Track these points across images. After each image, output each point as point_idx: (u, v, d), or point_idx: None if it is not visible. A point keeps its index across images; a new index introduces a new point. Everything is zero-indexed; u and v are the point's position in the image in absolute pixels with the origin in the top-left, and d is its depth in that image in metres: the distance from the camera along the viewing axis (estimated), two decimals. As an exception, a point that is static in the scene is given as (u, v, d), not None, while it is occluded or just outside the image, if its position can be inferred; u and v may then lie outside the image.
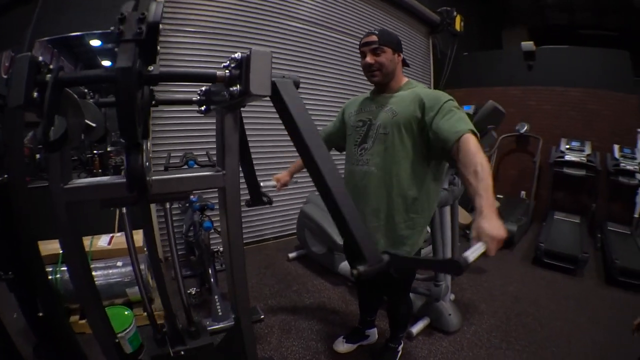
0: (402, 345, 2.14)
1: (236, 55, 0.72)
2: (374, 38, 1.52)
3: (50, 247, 2.10)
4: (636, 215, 4.64)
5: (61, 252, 2.14)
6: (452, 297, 2.64)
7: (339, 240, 2.77)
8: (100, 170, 3.52)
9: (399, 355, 2.11)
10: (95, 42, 2.84)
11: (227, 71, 0.72)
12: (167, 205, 1.27)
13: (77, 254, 0.84)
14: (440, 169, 1.60)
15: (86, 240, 2.31)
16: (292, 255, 3.58)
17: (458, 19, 5.20)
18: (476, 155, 1.22)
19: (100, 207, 0.84)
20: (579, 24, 7.08)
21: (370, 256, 0.79)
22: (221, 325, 2.27)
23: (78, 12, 2.76)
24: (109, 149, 3.50)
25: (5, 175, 1.43)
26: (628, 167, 4.42)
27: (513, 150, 5.70)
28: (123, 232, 2.48)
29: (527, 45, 5.07)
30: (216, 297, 2.39)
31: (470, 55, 6.08)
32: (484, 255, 0.99)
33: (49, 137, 0.64)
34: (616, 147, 4.68)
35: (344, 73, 4.52)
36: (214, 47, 3.41)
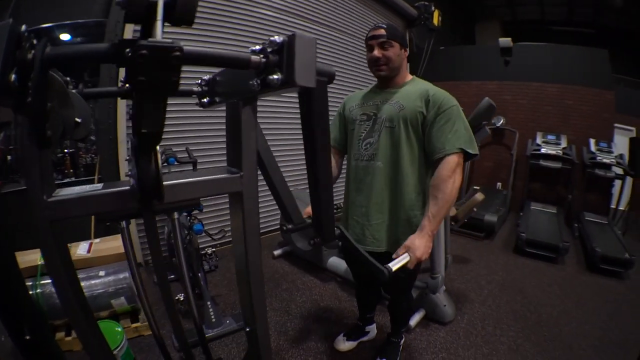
0: (403, 340, 2.13)
1: (276, 38, 0.62)
2: (382, 32, 1.47)
3: (27, 258, 1.93)
4: (612, 206, 4.88)
5: (40, 263, 1.98)
6: (443, 288, 2.66)
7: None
8: (72, 170, 3.30)
9: (401, 349, 2.10)
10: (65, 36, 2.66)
11: (261, 56, 0.62)
12: (176, 216, 1.09)
13: (66, 276, 0.68)
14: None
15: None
16: (277, 252, 3.50)
17: (436, 14, 5.26)
18: (445, 182, 1.37)
19: (96, 221, 0.72)
20: (551, 19, 7.33)
21: (328, 235, 0.97)
22: (216, 332, 2.14)
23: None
24: (78, 146, 3.28)
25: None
26: (605, 160, 4.63)
27: (489, 143, 5.85)
28: (102, 239, 2.35)
29: (505, 41, 5.20)
30: (208, 302, 2.27)
31: (446, 49, 6.19)
32: (404, 264, 1.27)
33: (45, 135, 0.50)
34: (592, 141, 4.90)
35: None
36: (182, 35, 3.17)
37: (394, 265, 1.22)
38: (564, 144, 5.02)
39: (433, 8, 5.23)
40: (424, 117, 1.45)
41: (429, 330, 2.37)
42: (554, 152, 4.88)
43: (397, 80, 1.57)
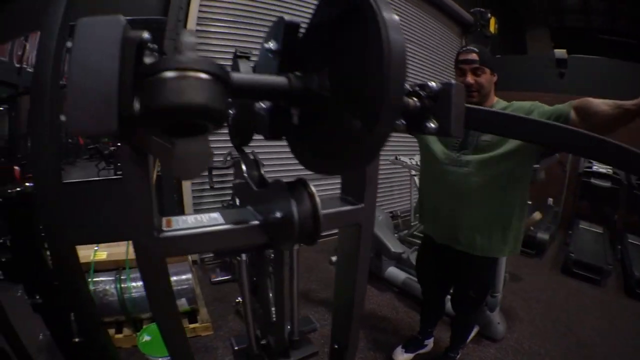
0: (459, 355, 2.24)
1: (433, 84, 0.57)
2: (475, 56, 1.49)
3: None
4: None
5: (92, 260, 2.11)
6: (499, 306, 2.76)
7: (393, 248, 2.80)
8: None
9: None
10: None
11: (416, 100, 0.57)
12: (296, 247, 0.98)
13: (167, 304, 0.61)
14: (526, 185, 1.63)
15: (122, 247, 2.27)
16: (334, 258, 3.42)
17: (492, 21, 5.18)
18: (597, 101, 1.28)
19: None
20: (597, 27, 7.03)
21: None
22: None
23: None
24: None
25: (30, 184, 1.32)
26: (652, 182, 4.53)
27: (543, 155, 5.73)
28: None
29: (560, 52, 5.05)
30: (272, 308, 2.34)
31: (502, 58, 6.05)
32: None
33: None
34: (640, 162, 4.76)
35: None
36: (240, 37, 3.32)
37: None
38: (614, 162, 4.92)
39: (489, 15, 5.15)
40: None
41: (481, 346, 2.47)
42: (604, 171, 4.83)
43: (485, 105, 1.57)
